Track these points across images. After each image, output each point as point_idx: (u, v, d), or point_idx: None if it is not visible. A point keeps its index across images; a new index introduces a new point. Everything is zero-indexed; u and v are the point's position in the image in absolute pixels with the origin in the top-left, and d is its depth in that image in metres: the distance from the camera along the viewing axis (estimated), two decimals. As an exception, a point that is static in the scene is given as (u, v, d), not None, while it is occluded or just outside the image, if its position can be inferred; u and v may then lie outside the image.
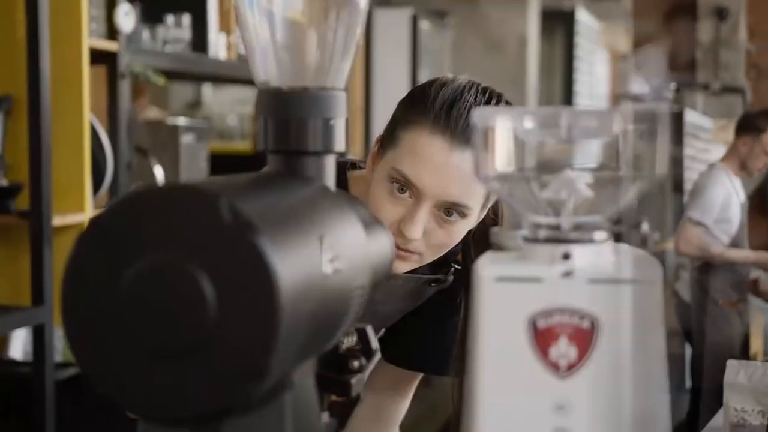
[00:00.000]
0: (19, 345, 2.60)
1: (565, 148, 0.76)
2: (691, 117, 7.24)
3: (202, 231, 0.63)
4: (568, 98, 7.49)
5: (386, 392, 1.50)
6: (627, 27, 9.67)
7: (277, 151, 0.83)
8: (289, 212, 0.70)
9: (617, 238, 0.75)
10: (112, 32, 2.68)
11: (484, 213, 1.34)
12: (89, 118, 2.54)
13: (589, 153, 0.77)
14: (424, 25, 5.25)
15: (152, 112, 4.25)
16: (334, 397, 0.96)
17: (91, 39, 2.56)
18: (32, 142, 2.38)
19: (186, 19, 3.03)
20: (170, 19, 3.04)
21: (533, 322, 0.70)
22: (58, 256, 2.40)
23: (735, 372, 1.99)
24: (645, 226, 6.49)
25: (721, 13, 9.35)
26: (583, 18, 7.48)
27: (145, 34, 2.96)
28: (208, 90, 5.62)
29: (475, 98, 1.25)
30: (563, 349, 0.70)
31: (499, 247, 0.81)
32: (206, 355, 0.64)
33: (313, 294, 0.69)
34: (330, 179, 0.85)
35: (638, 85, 4.29)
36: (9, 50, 2.46)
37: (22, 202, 2.42)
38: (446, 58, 5.32)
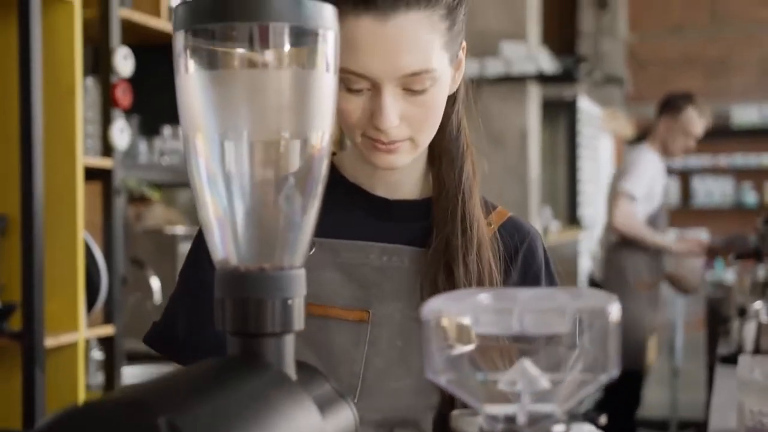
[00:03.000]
0: (11, 467, 2.57)
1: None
2: (583, 104, 7.25)
3: (140, 449, 0.62)
4: (572, 185, 7.50)
5: None
6: (629, 111, 9.76)
7: (236, 333, 0.82)
8: (237, 417, 0.69)
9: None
10: (107, 148, 2.70)
11: (461, 69, 1.25)
12: (83, 236, 2.54)
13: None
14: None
15: (158, 212, 4.26)
16: None
17: (86, 157, 2.58)
18: (25, 262, 2.38)
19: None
20: (167, 130, 3.07)
21: None
22: (51, 378, 2.38)
23: (749, 369, 1.79)
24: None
25: (601, 3, 9.43)
26: (585, 105, 7.53)
27: (142, 145, 2.99)
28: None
29: None
30: None
31: (460, 434, 0.79)
32: None
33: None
34: (289, 359, 0.83)
35: None
36: (4, 169, 2.48)
37: (15, 322, 2.41)
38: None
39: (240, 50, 0.88)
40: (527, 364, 0.73)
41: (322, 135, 0.84)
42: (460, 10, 1.18)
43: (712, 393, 2.70)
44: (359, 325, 1.21)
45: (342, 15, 1.12)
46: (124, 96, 2.69)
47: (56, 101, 2.50)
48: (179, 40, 0.81)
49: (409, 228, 1.27)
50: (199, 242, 1.28)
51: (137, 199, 3.92)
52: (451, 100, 1.26)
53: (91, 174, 2.65)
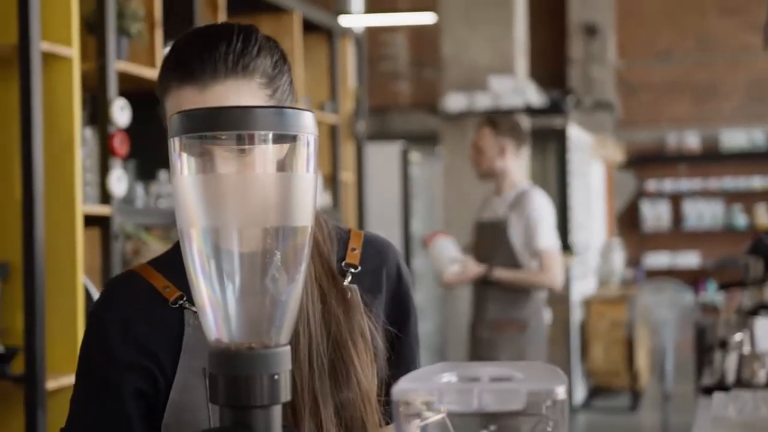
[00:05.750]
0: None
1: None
2: (573, 132, 7.37)
3: None
4: (563, 212, 7.59)
5: None
6: (619, 136, 9.89)
7: (228, 406, 0.92)
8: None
9: None
10: (105, 195, 2.80)
11: None
12: (83, 280, 2.63)
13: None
14: (415, 156, 5.38)
15: (155, 248, 4.33)
16: None
17: (85, 205, 2.67)
18: (27, 307, 2.46)
19: (178, 174, 3.15)
20: (163, 174, 3.16)
21: None
22: (53, 420, 2.47)
23: (723, 405, 1.86)
24: None
25: (590, 30, 9.55)
26: (575, 133, 7.64)
27: (140, 189, 3.08)
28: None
29: (210, 31, 1.24)
30: None
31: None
32: None
33: None
34: (276, 428, 0.92)
35: None
36: (6, 218, 2.57)
37: (18, 365, 2.50)
38: (438, 185, 5.48)
39: (229, 155, 0.97)
40: (487, 437, 0.82)
41: (304, 224, 0.94)
42: (281, 80, 1.26)
43: (693, 424, 2.78)
44: None
45: (169, 86, 1.22)
46: (121, 145, 2.79)
47: (56, 152, 2.59)
48: (175, 146, 0.90)
49: None
50: (96, 344, 1.30)
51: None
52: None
53: (90, 220, 2.74)
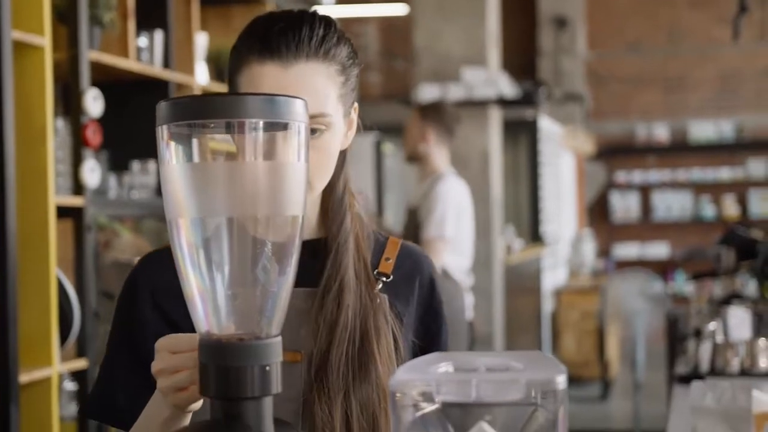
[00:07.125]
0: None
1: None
2: (544, 123, 7.46)
3: None
4: (534, 203, 7.63)
5: None
6: (589, 127, 9.93)
7: (218, 397, 0.90)
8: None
9: None
10: (78, 186, 2.76)
11: (353, 128, 1.32)
12: (56, 273, 2.60)
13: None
14: (388, 148, 5.36)
15: (126, 239, 4.28)
16: None
17: (57, 196, 2.64)
18: (-1, 300, 2.43)
19: (152, 165, 3.12)
20: (136, 165, 3.13)
21: None
22: (26, 412, 2.43)
23: (701, 394, 1.86)
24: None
25: (560, 22, 9.61)
26: (545, 125, 7.67)
27: (112, 181, 3.04)
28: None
29: (292, 14, 1.25)
30: None
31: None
32: None
33: None
34: (268, 420, 0.91)
35: None
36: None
37: (-11, 359, 2.46)
38: (411, 176, 5.45)
39: (218, 143, 0.95)
40: (485, 426, 0.81)
41: (295, 214, 0.92)
42: (353, 71, 1.29)
43: (669, 412, 2.79)
44: (293, 366, 1.25)
45: (248, 61, 1.23)
46: (94, 136, 2.75)
47: (28, 142, 2.55)
48: (163, 134, 0.88)
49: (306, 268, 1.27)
50: (127, 302, 1.31)
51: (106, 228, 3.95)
52: (342, 160, 1.33)
53: (63, 212, 2.71)
